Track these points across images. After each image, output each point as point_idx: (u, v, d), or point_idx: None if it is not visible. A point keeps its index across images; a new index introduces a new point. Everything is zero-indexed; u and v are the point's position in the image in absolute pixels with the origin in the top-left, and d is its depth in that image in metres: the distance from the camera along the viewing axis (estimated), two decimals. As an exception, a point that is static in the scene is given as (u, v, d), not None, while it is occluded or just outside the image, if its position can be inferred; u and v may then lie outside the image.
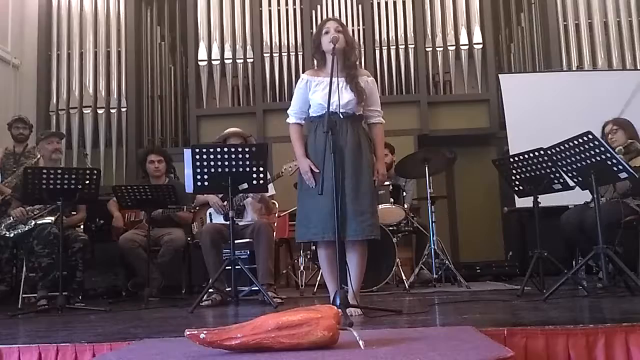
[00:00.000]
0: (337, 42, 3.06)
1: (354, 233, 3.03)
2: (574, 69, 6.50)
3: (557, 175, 3.79)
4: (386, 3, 6.70)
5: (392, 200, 4.83)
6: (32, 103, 6.67)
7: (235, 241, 3.97)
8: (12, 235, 4.49)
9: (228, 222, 4.00)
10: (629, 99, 5.50)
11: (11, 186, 4.80)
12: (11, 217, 4.51)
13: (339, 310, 2.05)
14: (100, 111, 6.67)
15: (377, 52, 6.60)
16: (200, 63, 6.66)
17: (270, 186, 4.46)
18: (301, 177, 3.18)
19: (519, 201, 4.98)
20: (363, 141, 3.14)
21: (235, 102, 6.74)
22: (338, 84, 3.06)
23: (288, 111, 3.28)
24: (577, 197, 4.20)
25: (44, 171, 4.05)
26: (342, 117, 3.07)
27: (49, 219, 4.46)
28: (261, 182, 3.88)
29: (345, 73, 3.13)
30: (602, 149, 3.38)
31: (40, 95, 6.74)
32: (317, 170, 3.03)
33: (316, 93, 3.14)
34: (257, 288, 3.98)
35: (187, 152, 4.16)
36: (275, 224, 4.86)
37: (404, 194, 5.11)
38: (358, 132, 3.14)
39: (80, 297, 4.55)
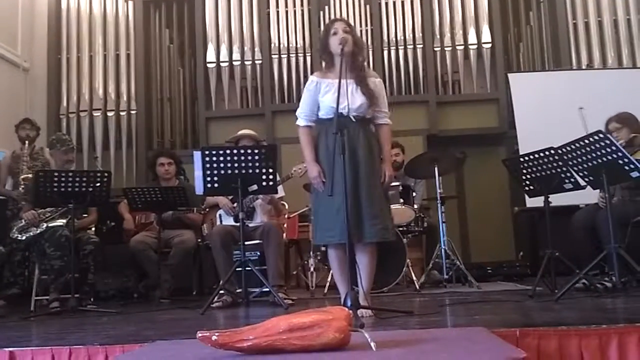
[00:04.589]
0: (346, 43, 3.05)
1: (368, 236, 3.03)
2: (583, 67, 6.46)
3: (568, 174, 3.77)
4: (394, 3, 6.68)
5: (401, 200, 4.82)
6: (42, 106, 6.71)
7: (245, 243, 3.98)
8: (24, 238, 4.51)
9: (238, 224, 4.01)
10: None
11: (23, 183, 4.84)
12: (23, 220, 4.53)
13: (350, 311, 2.05)
14: (110, 114, 6.71)
15: (386, 52, 6.59)
16: (208, 65, 6.68)
17: (280, 188, 4.46)
18: None
19: (530, 201, 4.96)
20: (374, 144, 3.15)
21: (244, 104, 6.75)
22: (348, 87, 3.05)
23: (297, 113, 3.25)
24: (589, 196, 4.18)
25: (55, 174, 4.08)
26: (354, 120, 3.07)
27: (61, 222, 4.48)
28: (271, 183, 3.89)
29: (354, 75, 3.12)
30: (614, 147, 3.36)
31: (50, 98, 6.78)
32: (324, 181, 3.04)
33: (327, 95, 3.12)
34: (267, 289, 3.98)
35: (197, 154, 4.17)
36: (285, 225, 4.87)
37: (414, 194, 5.10)
38: (369, 135, 3.14)
39: (92, 299, 4.58)
